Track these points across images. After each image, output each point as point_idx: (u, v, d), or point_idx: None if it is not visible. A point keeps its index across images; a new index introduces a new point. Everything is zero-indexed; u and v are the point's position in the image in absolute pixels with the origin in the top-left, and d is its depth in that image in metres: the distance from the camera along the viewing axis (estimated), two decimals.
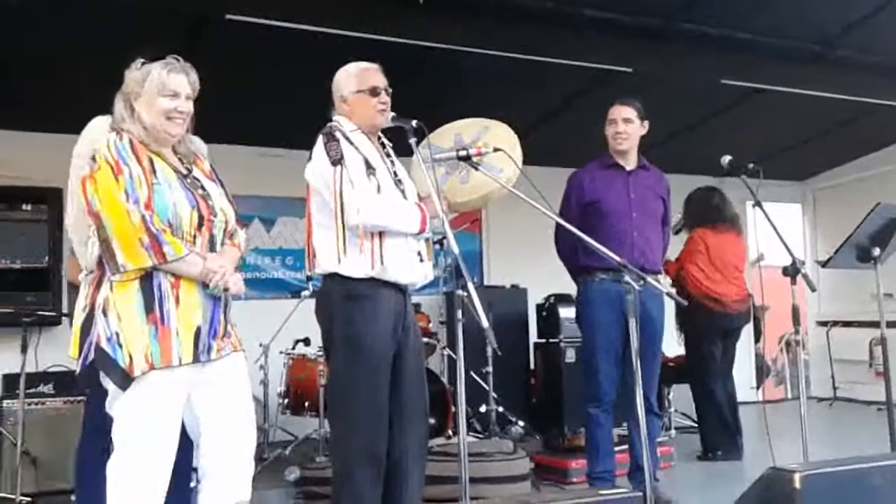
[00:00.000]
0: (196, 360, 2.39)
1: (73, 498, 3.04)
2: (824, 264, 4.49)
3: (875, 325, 4.29)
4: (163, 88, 2.45)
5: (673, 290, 4.51)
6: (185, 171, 2.53)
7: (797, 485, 2.25)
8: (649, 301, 3.76)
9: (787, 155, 7.32)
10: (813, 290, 3.54)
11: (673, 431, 6.13)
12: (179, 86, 2.47)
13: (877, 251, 4.07)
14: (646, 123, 4.05)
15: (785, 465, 2.35)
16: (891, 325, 4.27)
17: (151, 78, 2.45)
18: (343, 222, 2.86)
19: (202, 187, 2.54)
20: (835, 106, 6.29)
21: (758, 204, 3.63)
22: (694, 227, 5.56)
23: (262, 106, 5.40)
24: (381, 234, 2.91)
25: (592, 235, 3.31)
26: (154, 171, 2.41)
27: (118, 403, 2.36)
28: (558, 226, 3.80)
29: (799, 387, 3.70)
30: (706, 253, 5.41)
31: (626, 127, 4.00)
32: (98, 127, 2.76)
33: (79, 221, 2.81)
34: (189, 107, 2.50)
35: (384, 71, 3.12)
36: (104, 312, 2.37)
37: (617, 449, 4.10)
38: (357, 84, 3.06)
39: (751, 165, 3.64)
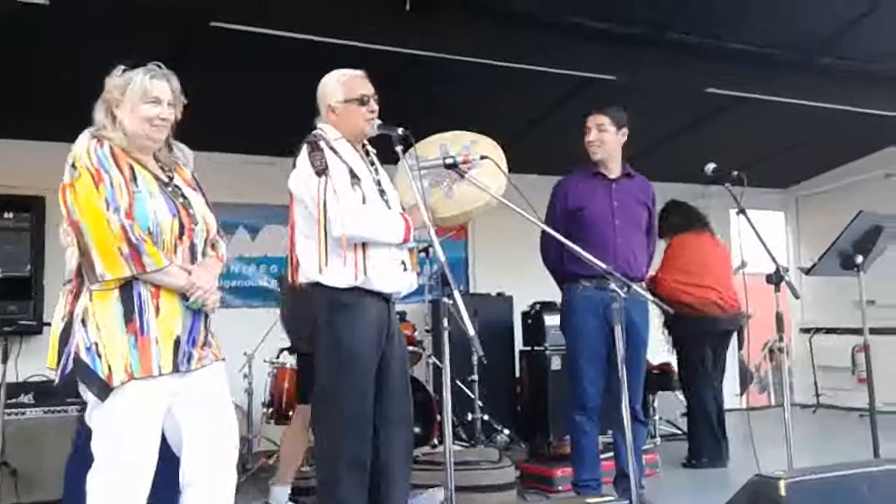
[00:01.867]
0: (176, 369, 2.37)
1: None
2: (808, 271, 4.52)
3: (858, 331, 4.32)
4: (145, 95, 2.43)
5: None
6: (166, 179, 2.51)
7: (783, 492, 2.25)
8: (633, 309, 3.76)
9: (771, 163, 7.36)
10: (797, 297, 3.57)
11: (658, 439, 6.14)
12: (162, 92, 2.46)
13: (860, 258, 4.10)
14: (624, 131, 4.05)
15: (770, 473, 2.35)
16: (873, 331, 4.29)
17: (133, 85, 2.43)
18: (326, 233, 2.85)
19: (183, 195, 2.53)
20: (817, 114, 6.33)
21: (742, 211, 3.65)
22: (672, 236, 5.59)
23: (248, 113, 5.38)
24: (364, 244, 2.90)
25: (576, 243, 3.32)
26: (135, 179, 2.39)
27: (97, 414, 2.34)
28: (544, 233, 3.81)
29: (783, 394, 3.71)
30: (682, 259, 5.45)
31: (601, 135, 4.00)
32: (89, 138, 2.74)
33: None
34: (171, 113, 2.49)
35: (370, 78, 3.12)
36: (83, 322, 2.34)
37: (602, 457, 4.10)
38: (345, 93, 3.05)
39: (734, 173, 3.66)
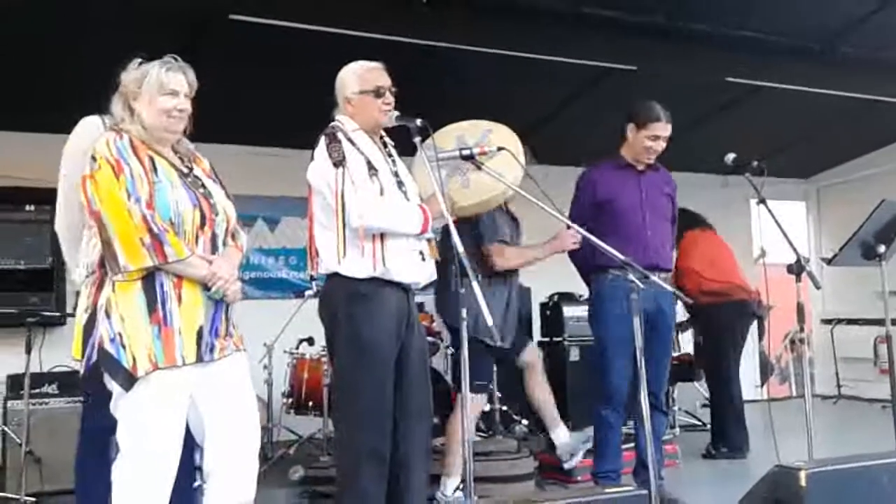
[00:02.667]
0: (199, 359, 2.38)
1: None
2: (829, 262, 4.48)
3: (880, 322, 4.28)
4: (162, 87, 2.45)
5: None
6: (185, 170, 2.53)
7: (803, 482, 2.24)
8: (661, 298, 3.76)
9: (792, 152, 7.30)
10: (818, 287, 3.54)
11: (678, 429, 6.12)
12: (178, 84, 2.47)
13: (882, 248, 4.06)
14: None
15: (791, 463, 2.34)
16: (895, 322, 4.25)
17: (150, 77, 2.45)
18: (344, 223, 2.86)
19: (203, 185, 2.54)
20: (839, 103, 6.28)
21: (762, 201, 3.62)
22: (682, 234, 5.57)
23: (265, 106, 5.40)
24: (382, 234, 2.91)
25: (606, 235, 3.35)
26: (155, 170, 2.41)
27: (122, 404, 2.35)
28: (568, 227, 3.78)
29: (804, 385, 3.69)
30: (697, 251, 5.45)
31: (664, 144, 4.01)
32: (89, 124, 2.76)
33: (69, 222, 2.79)
34: (188, 105, 2.50)
35: (387, 70, 3.12)
36: (107, 313, 2.36)
37: (623, 447, 4.09)
38: (361, 84, 3.06)
39: (755, 163, 3.64)
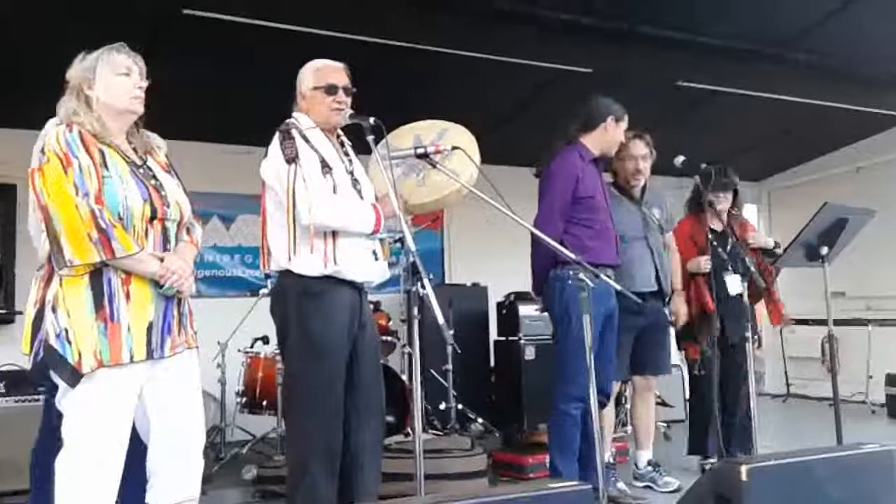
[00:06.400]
0: (149, 356, 2.36)
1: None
2: (773, 262, 4.57)
3: (827, 322, 4.37)
4: (115, 67, 2.46)
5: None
6: (138, 162, 2.50)
7: (744, 477, 2.29)
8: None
9: (744, 156, 7.44)
10: (760, 287, 3.63)
11: (629, 427, 6.20)
12: (130, 64, 2.48)
13: (825, 250, 4.14)
14: None
15: (732, 458, 2.40)
16: (844, 322, 4.35)
17: (101, 60, 2.46)
18: (295, 220, 2.86)
19: (154, 177, 2.51)
20: (790, 108, 6.42)
21: (710, 204, 3.70)
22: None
23: (223, 103, 5.36)
24: (334, 233, 2.91)
25: (583, 231, 3.49)
26: (105, 164, 2.38)
27: (67, 400, 2.33)
28: (538, 227, 3.60)
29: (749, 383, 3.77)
30: None
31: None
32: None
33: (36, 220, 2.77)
34: (144, 85, 2.50)
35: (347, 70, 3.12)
36: (53, 309, 2.33)
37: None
38: (314, 81, 3.07)
39: (703, 166, 3.71)
